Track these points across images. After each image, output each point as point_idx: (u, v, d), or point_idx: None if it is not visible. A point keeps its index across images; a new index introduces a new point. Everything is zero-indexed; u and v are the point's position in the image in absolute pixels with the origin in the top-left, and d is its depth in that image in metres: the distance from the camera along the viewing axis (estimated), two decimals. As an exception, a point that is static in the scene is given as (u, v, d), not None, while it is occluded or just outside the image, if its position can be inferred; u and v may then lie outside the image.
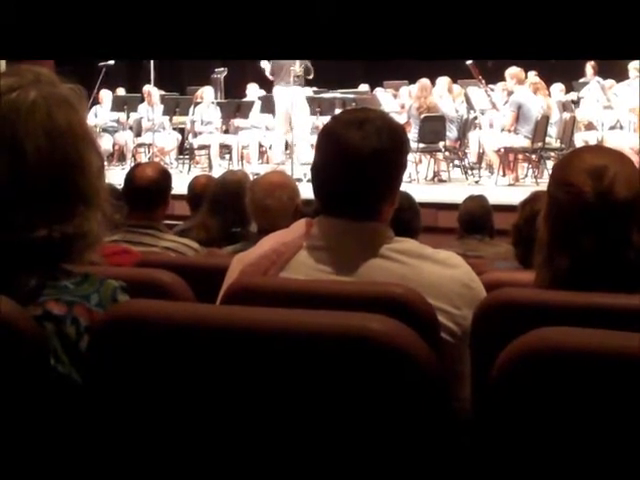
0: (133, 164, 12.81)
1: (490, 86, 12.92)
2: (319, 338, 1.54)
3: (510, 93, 12.10)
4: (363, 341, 1.52)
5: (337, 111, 12.33)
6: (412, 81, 13.27)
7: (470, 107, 13.04)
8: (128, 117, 13.99)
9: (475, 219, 5.84)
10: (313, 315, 1.60)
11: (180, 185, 6.70)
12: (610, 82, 13.32)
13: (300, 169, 11.15)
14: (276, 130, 12.76)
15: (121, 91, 15.15)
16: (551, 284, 2.11)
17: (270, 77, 12.25)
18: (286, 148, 12.85)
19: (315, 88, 13.27)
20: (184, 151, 14.31)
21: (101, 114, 14.12)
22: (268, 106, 13.30)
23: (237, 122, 13.53)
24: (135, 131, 13.94)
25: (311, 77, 12.15)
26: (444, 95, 13.01)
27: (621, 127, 12.29)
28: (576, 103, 13.33)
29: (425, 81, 12.51)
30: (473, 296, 2.21)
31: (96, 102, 13.93)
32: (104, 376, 1.63)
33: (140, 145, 13.88)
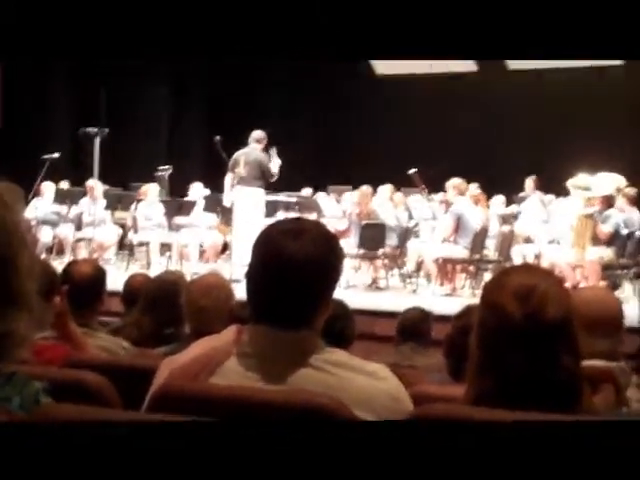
0: (72, 258, 12.76)
1: (432, 196, 13.10)
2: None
3: (450, 204, 12.26)
4: None
5: (280, 213, 12.43)
6: (356, 187, 13.43)
7: (411, 216, 13.20)
8: (69, 210, 13.94)
9: (414, 326, 5.88)
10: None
11: (117, 281, 6.65)
12: (550, 197, 13.59)
13: (240, 270, 11.14)
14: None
15: (64, 184, 15.12)
16: (479, 401, 2.11)
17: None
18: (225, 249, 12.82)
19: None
20: (124, 247, 14.25)
21: (42, 206, 14.04)
22: (211, 205, 13.34)
23: (179, 220, 13.53)
24: (76, 225, 13.87)
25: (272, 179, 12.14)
26: (385, 203, 13.17)
27: (558, 242, 12.48)
28: (515, 217, 13.56)
29: (366, 188, 12.66)
30: (400, 409, 2.21)
31: (37, 194, 13.87)
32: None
33: (80, 239, 13.80)
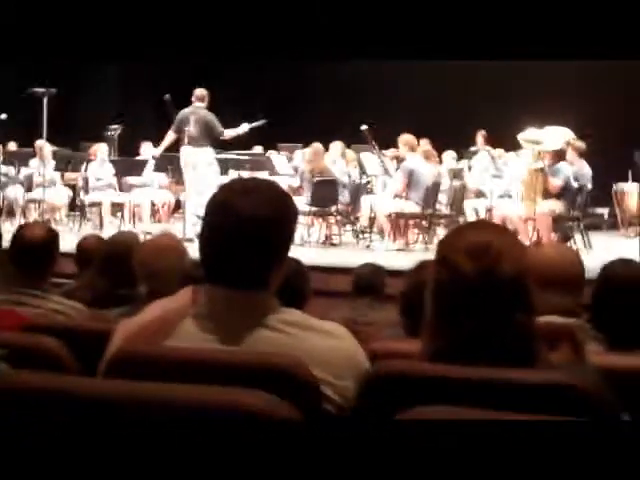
0: (22, 220, 12.66)
1: (383, 152, 13.10)
2: (197, 412, 1.55)
3: (402, 159, 12.27)
4: (239, 416, 1.54)
5: (231, 172, 12.38)
6: (306, 145, 13.40)
7: (363, 172, 13.20)
8: (19, 172, 13.80)
9: (368, 281, 5.91)
10: (189, 390, 1.61)
11: (70, 243, 6.61)
12: (499, 151, 13.65)
13: (192, 229, 11.10)
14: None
15: (12, 145, 14.95)
16: (435, 357, 2.12)
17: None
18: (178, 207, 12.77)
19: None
20: (75, 208, 14.15)
21: (-11, 168, 13.90)
22: (162, 165, 13.25)
23: (130, 180, 13.45)
24: (26, 186, 13.73)
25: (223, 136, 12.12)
26: (337, 160, 13.15)
27: (509, 196, 12.57)
28: (469, 169, 13.65)
29: (318, 145, 12.63)
30: (357, 368, 2.21)
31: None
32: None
33: (31, 201, 13.68)
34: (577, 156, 11.59)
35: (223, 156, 12.41)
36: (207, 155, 11.87)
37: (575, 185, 11.08)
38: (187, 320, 2.27)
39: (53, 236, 4.24)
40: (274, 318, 2.24)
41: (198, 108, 11.92)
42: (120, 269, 4.49)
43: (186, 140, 11.76)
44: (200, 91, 12.02)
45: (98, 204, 13.40)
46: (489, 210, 12.36)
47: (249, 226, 2.21)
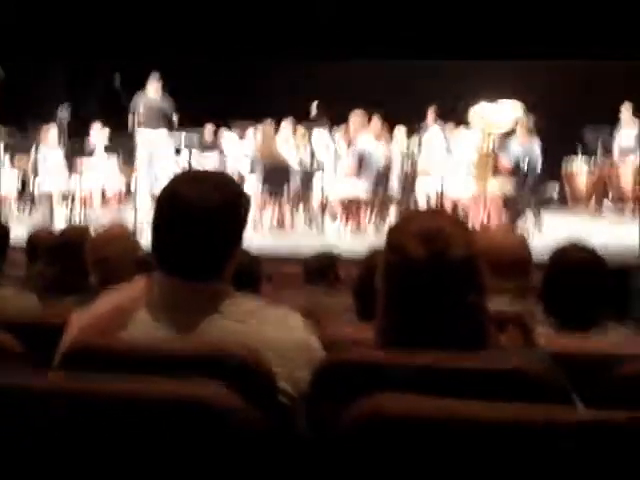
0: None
1: (334, 128, 13.06)
2: (151, 405, 1.57)
3: (352, 138, 12.26)
4: (193, 408, 1.56)
5: (184, 151, 12.33)
6: (259, 120, 13.30)
7: (313, 154, 13.16)
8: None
9: (321, 268, 5.90)
10: (145, 383, 1.63)
11: (20, 230, 6.54)
12: (449, 126, 13.62)
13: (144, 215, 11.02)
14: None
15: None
16: (388, 343, 2.13)
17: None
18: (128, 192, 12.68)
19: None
20: (25, 196, 14.00)
21: None
22: (112, 146, 13.14)
23: (81, 163, 13.30)
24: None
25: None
26: (288, 140, 13.10)
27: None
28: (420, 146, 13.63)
29: (268, 128, 12.60)
30: (311, 358, 2.22)
31: None
32: None
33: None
34: (526, 134, 11.64)
35: (175, 137, 12.33)
36: (157, 139, 11.85)
37: (525, 165, 11.16)
38: (141, 310, 2.26)
39: (3, 232, 4.21)
40: (229, 306, 2.24)
41: (151, 91, 11.94)
42: (70, 258, 4.47)
43: (137, 123, 11.70)
44: (155, 74, 12.04)
45: (48, 195, 13.23)
46: (440, 193, 12.38)
47: (200, 216, 2.21)
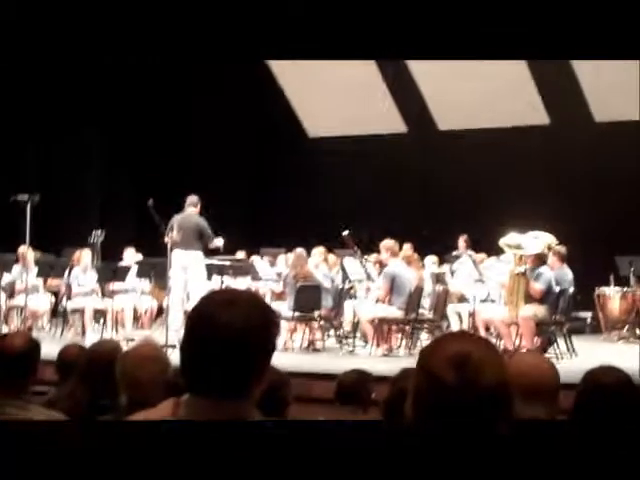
0: (4, 326, 12.61)
1: (365, 257, 13.17)
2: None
3: (383, 265, 12.33)
4: None
5: (214, 277, 12.43)
6: (289, 249, 13.46)
7: (345, 277, 13.24)
8: (1, 278, 13.77)
9: (352, 389, 5.83)
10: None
11: (51, 350, 6.56)
12: (481, 256, 13.72)
13: (175, 335, 11.04)
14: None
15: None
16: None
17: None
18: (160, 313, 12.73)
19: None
20: (57, 314, 14.10)
21: (-28, 275, 13.87)
22: (145, 270, 13.28)
23: (113, 286, 13.45)
24: (8, 293, 13.70)
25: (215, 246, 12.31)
26: (320, 264, 13.21)
27: (492, 300, 12.60)
28: (452, 273, 13.70)
29: (301, 250, 12.71)
30: None
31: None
32: None
33: (12, 307, 13.63)
34: (558, 260, 11.64)
35: (206, 261, 12.47)
36: (192, 261, 11.96)
37: (557, 289, 11.12)
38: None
39: (33, 346, 4.21)
40: (253, 429, 2.23)
41: (189, 214, 12.13)
42: (101, 378, 4.47)
43: (169, 244, 11.79)
44: (193, 198, 12.27)
45: (80, 310, 13.36)
46: (472, 315, 12.37)
47: (229, 337, 2.22)
